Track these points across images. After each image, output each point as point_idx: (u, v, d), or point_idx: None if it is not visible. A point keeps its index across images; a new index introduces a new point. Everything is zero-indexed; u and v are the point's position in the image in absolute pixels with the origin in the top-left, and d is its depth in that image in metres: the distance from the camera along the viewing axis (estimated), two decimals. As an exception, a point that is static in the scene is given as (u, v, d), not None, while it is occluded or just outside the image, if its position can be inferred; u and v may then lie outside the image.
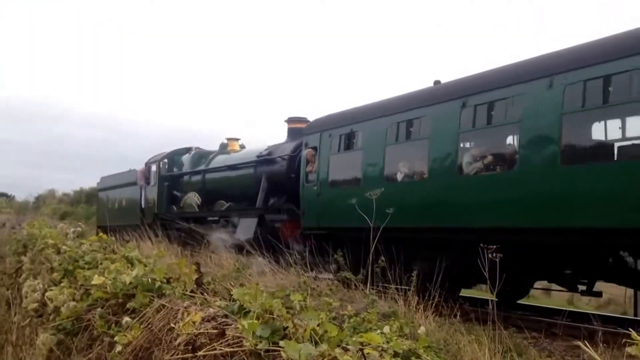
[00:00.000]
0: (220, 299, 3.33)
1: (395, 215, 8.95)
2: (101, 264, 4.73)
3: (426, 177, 10.94)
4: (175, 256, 9.90)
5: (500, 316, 6.64)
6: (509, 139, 10.12)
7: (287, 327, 2.53)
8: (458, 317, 7.31)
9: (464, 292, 10.93)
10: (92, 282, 4.07)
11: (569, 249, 9.12)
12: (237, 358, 2.47)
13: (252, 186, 16.62)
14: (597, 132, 9.23)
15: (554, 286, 10.78)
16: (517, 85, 9.43)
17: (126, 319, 3.51)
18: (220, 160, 19.63)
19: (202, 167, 20.24)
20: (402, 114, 11.72)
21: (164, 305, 3.32)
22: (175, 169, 21.89)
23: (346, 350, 2.42)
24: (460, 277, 9.78)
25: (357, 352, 2.44)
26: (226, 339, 2.58)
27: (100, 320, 3.78)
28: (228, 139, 20.98)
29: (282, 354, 2.27)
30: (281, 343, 2.34)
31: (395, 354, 2.78)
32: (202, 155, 21.21)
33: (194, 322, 2.81)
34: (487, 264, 5.75)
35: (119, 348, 3.33)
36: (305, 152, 14.41)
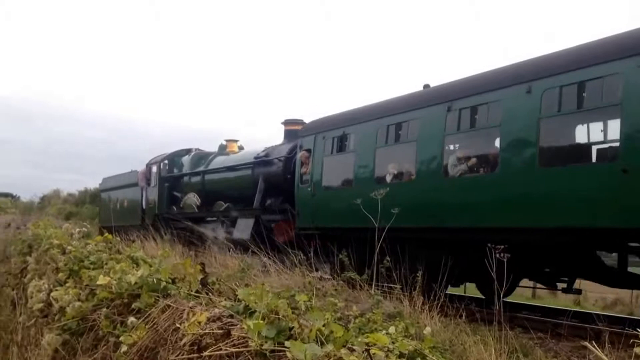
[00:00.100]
0: (225, 299, 3.32)
1: (385, 215, 9.08)
2: (106, 264, 4.73)
3: (414, 178, 11.25)
4: (179, 256, 9.91)
5: (505, 317, 6.64)
6: (491, 142, 10.38)
7: (293, 327, 2.53)
8: (463, 317, 7.30)
9: (454, 291, 10.98)
10: (98, 282, 4.08)
11: (549, 248, 9.37)
12: (242, 358, 2.46)
13: (249, 187, 16.92)
14: (572, 135, 9.63)
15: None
16: (498, 91, 9.80)
17: (131, 319, 3.51)
18: (219, 162, 19.95)
19: (201, 168, 20.55)
20: (392, 117, 12.05)
21: (169, 306, 3.32)
22: (175, 170, 22.19)
23: (352, 350, 2.41)
24: (448, 275, 9.94)
25: (363, 352, 2.43)
26: (232, 339, 2.58)
27: (105, 320, 3.78)
28: (227, 141, 21.33)
29: (288, 354, 2.26)
30: (287, 343, 2.33)
31: (401, 355, 2.77)
32: (201, 157, 21.51)
33: (199, 323, 2.81)
34: (494, 264, 5.79)
35: (124, 348, 3.33)
36: (300, 155, 14.71)
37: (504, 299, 11.09)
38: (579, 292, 10.18)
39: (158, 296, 3.58)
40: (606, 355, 2.69)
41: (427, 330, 5.29)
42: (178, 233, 17.50)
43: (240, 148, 20.88)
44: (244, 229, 16.07)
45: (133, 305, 3.65)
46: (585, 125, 9.46)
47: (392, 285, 8.02)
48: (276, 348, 2.39)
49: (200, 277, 3.83)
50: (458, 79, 11.42)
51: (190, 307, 3.15)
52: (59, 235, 7.63)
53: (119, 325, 3.66)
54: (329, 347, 2.35)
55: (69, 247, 5.93)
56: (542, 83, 9.03)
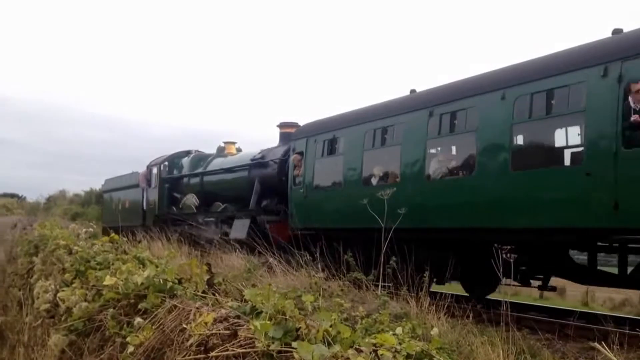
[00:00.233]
0: (232, 300, 3.31)
1: (373, 216, 9.46)
2: (113, 264, 4.73)
3: (399, 180, 11.70)
4: (185, 257, 9.92)
5: (513, 317, 6.62)
6: (469, 146, 10.71)
7: (300, 328, 2.51)
8: (470, 318, 7.27)
9: (438, 289, 11.10)
10: (104, 283, 4.08)
11: (523, 247, 9.73)
12: (249, 359, 2.45)
13: (246, 188, 17.32)
14: (542, 140, 10.14)
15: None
16: (475, 97, 10.28)
17: (138, 319, 3.50)
18: (217, 163, 20.40)
19: (200, 170, 20.98)
20: (379, 122, 12.54)
21: (175, 306, 3.31)
22: (175, 172, 22.60)
23: (359, 351, 2.39)
24: (432, 274, 10.33)
25: (370, 353, 2.42)
26: (238, 340, 2.57)
27: (112, 320, 3.77)
28: (225, 143, 21.89)
29: (295, 355, 2.25)
30: (294, 344, 2.32)
31: (408, 356, 2.75)
32: (200, 158, 21.91)
33: (206, 323, 2.80)
34: (501, 266, 5.87)
35: (130, 349, 3.32)
36: (293, 157, 15.16)
37: (488, 297, 11.57)
38: (553, 289, 10.63)
39: (164, 297, 3.57)
40: (615, 357, 2.67)
41: (435, 331, 5.26)
42: (178, 233, 17.71)
43: (238, 150, 21.39)
44: (240, 229, 16.48)
45: (139, 306, 3.64)
46: (554, 130, 9.89)
47: (384, 284, 8.38)
48: (283, 349, 2.38)
49: (206, 277, 3.82)
50: (440, 85, 11.91)
51: (197, 308, 3.14)
52: (65, 235, 7.65)
53: (125, 325, 3.65)
54: (336, 348, 2.33)
55: (76, 248, 5.94)
56: (514, 90, 9.50)
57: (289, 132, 16.70)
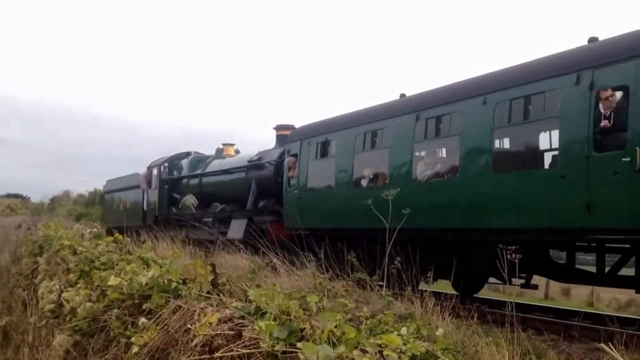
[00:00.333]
0: (236, 300, 3.30)
1: (363, 217, 10.41)
2: (117, 264, 4.73)
3: (388, 182, 12.04)
4: (189, 257, 9.92)
5: (518, 318, 6.61)
6: (454, 149, 11.10)
7: (305, 328, 2.50)
8: (475, 318, 7.25)
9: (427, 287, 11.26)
10: (108, 283, 4.07)
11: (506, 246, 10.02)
12: (254, 359, 2.44)
13: (243, 189, 17.74)
14: (520, 144, 10.63)
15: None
16: (459, 102, 10.70)
17: (142, 320, 3.50)
18: (215, 165, 20.77)
19: (199, 171, 21.36)
20: (369, 125, 12.97)
21: (180, 306, 3.30)
22: (175, 173, 22.96)
23: (364, 352, 2.38)
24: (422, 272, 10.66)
25: (375, 354, 2.40)
26: (243, 341, 2.56)
27: (116, 321, 3.77)
28: (224, 144, 22.40)
29: (300, 355, 2.24)
30: (299, 345, 2.31)
31: (413, 356, 2.74)
32: (199, 160, 22.29)
33: (210, 323, 2.79)
34: (506, 266, 5.90)
35: (135, 349, 3.32)
36: (287, 160, 15.55)
37: (475, 295, 11.76)
38: (535, 287, 10.93)
39: (169, 297, 3.57)
40: (621, 358, 2.65)
41: (440, 331, 5.25)
42: (177, 234, 17.98)
43: (237, 152, 21.87)
44: (237, 229, 16.89)
45: (144, 306, 3.63)
46: (531, 135, 10.27)
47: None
48: (288, 349, 2.37)
49: (210, 277, 3.82)
50: (426, 90, 12.33)
51: (201, 308, 3.13)
52: (70, 236, 7.65)
53: (130, 326, 3.65)
54: (341, 349, 2.33)
55: (80, 248, 5.94)
56: (495, 96, 9.92)
57: (285, 135, 17.11)
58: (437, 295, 7.86)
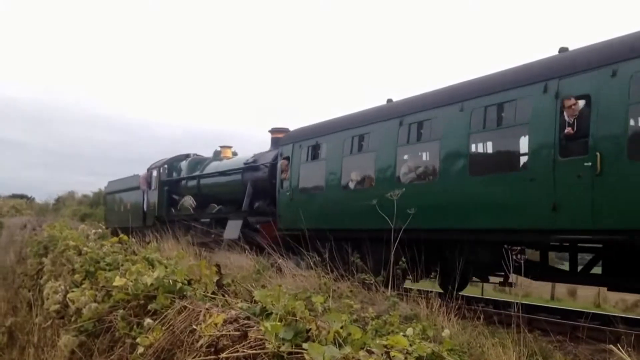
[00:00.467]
0: (241, 301, 3.29)
1: (352, 218, 11.21)
2: (122, 265, 4.72)
3: (374, 185, 12.59)
4: (194, 257, 9.92)
5: (524, 319, 6.59)
6: (434, 153, 11.65)
7: (310, 329, 2.49)
8: (481, 319, 7.23)
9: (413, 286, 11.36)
10: (114, 284, 4.07)
11: (483, 246, 10.57)
12: (259, 360, 2.43)
13: (239, 191, 18.27)
14: (494, 148, 11.30)
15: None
16: (439, 109, 11.32)
17: (148, 320, 3.49)
18: (213, 167, 21.25)
19: (197, 173, 21.86)
20: (357, 129, 13.57)
21: (185, 307, 3.29)
22: (174, 174, 23.39)
23: (370, 353, 2.37)
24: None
25: (382, 355, 2.39)
26: (249, 341, 2.55)
27: (121, 321, 3.76)
28: (221, 147, 22.87)
29: (306, 356, 2.22)
30: (305, 345, 2.29)
31: (419, 357, 2.72)
32: (198, 162, 22.79)
33: (215, 324, 2.78)
34: (511, 267, 5.93)
35: (140, 350, 3.31)
36: (280, 162, 16.09)
37: (460, 293, 12.01)
38: (511, 285, 11.29)
39: (174, 297, 3.56)
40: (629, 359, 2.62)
41: (446, 332, 5.23)
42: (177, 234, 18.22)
43: (234, 154, 22.33)
44: (233, 229, 17.31)
45: (149, 307, 3.63)
46: (504, 140, 10.90)
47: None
48: (294, 350, 2.36)
49: (216, 278, 3.80)
50: (410, 96, 12.88)
51: (207, 309, 3.12)
52: (75, 236, 7.65)
53: (135, 326, 3.64)
54: (347, 350, 2.31)
55: (85, 249, 5.94)
56: (471, 103, 10.48)
57: (279, 137, 17.53)
58: (442, 296, 7.84)
